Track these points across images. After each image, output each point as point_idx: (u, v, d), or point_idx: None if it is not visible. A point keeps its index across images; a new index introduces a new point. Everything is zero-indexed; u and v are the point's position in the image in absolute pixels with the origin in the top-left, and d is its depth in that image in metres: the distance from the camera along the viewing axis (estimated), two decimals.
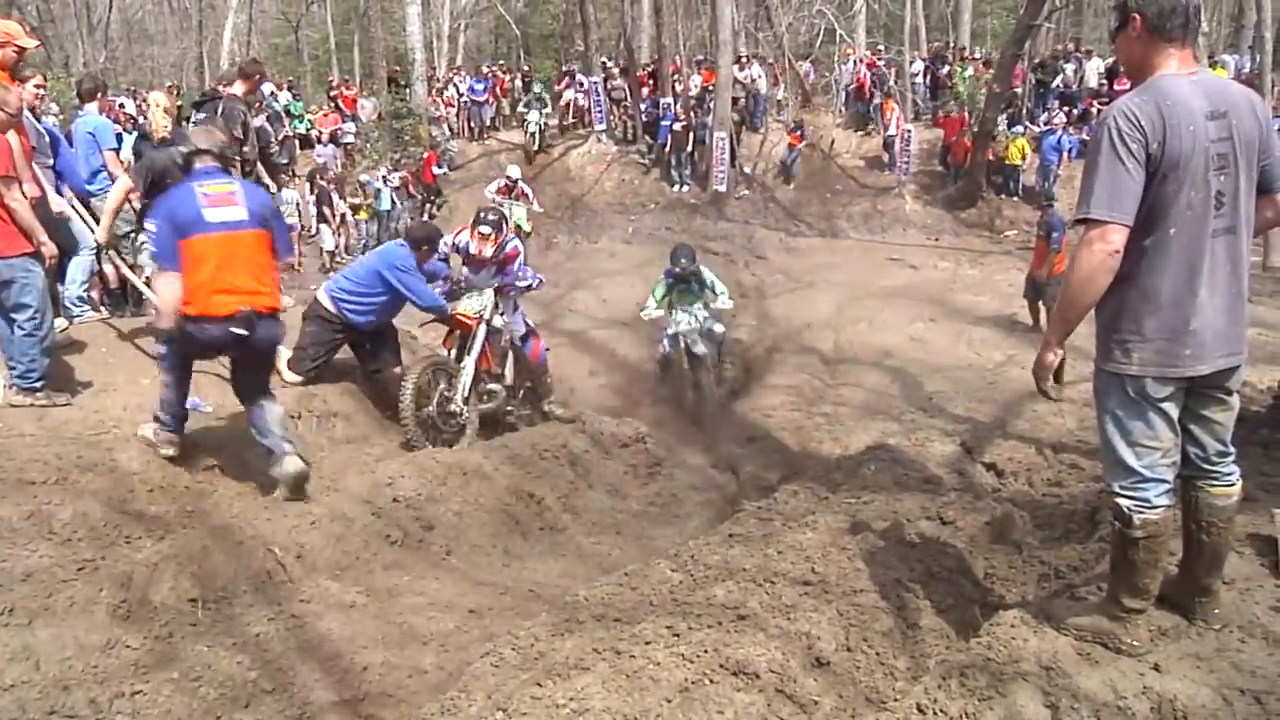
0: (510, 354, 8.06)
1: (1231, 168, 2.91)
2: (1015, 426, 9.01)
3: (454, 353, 7.58)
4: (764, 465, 8.28)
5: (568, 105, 25.18)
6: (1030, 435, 8.70)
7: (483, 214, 7.94)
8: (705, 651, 3.38)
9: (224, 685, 3.82)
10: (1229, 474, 3.17)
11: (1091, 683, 3.02)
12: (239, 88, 8.01)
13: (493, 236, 7.72)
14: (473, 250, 7.83)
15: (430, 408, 7.02)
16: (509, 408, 7.97)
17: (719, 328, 10.23)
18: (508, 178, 17.68)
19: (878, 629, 3.67)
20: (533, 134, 23.65)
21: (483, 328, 7.50)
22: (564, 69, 27.92)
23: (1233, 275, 2.97)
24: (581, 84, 25.06)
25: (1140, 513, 3.04)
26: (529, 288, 8.28)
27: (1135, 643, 3.09)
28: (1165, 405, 3.00)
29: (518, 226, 14.97)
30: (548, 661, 3.52)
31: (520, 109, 24.76)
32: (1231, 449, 3.17)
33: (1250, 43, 24.57)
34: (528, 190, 17.88)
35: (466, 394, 7.24)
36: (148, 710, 3.59)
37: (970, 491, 6.37)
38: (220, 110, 7.66)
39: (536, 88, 25.00)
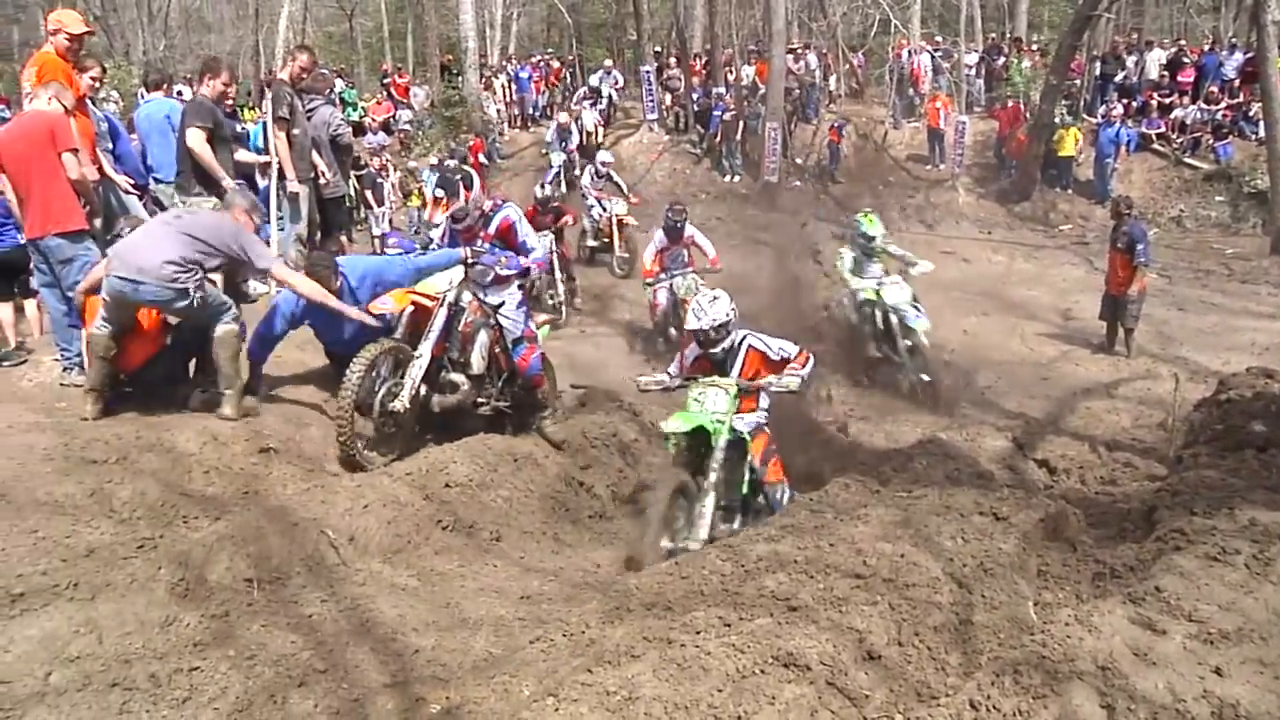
0: (484, 340, 6.67)
1: None
2: (1068, 423, 8.90)
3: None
4: (815, 458, 8.23)
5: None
6: (1084, 432, 8.58)
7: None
8: (756, 642, 3.36)
9: (279, 664, 3.87)
10: None
11: (1149, 684, 2.98)
12: (285, 72, 8.22)
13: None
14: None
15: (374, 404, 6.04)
16: (480, 399, 6.78)
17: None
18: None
19: (930, 624, 3.63)
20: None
21: (443, 310, 6.36)
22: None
23: None
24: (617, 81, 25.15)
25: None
26: (518, 275, 7.06)
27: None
28: None
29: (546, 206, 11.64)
30: (598, 648, 3.54)
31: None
32: None
33: None
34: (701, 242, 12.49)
35: (416, 388, 6.10)
36: (205, 686, 3.65)
37: (1022, 488, 6.28)
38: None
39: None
